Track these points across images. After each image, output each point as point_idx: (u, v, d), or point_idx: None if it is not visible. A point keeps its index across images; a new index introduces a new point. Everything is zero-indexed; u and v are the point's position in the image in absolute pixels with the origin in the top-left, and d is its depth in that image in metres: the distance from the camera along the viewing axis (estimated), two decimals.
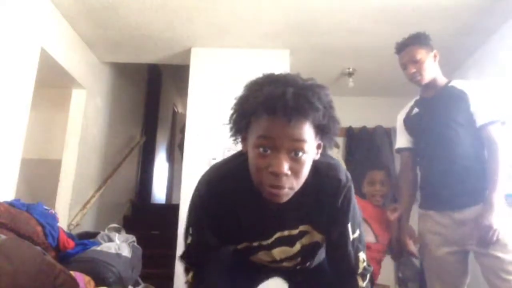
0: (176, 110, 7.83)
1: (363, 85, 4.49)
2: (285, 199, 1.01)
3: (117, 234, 2.50)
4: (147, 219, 5.12)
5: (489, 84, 2.16)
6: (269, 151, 0.95)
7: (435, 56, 2.13)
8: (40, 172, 4.28)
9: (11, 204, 2.12)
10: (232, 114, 1.04)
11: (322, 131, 1.00)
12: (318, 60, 4.07)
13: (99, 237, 2.47)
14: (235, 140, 1.08)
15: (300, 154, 0.96)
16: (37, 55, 3.05)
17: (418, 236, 2.16)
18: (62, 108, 4.17)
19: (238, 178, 1.11)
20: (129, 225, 4.44)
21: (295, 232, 1.21)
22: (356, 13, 3.22)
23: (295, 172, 0.97)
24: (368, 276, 1.22)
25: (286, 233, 1.21)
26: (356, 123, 4.65)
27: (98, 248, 2.28)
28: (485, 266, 1.94)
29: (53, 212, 2.35)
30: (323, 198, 1.13)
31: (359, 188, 2.44)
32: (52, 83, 3.86)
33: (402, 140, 2.27)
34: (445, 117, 2.02)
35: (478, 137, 1.98)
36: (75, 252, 2.26)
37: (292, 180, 0.98)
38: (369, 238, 2.25)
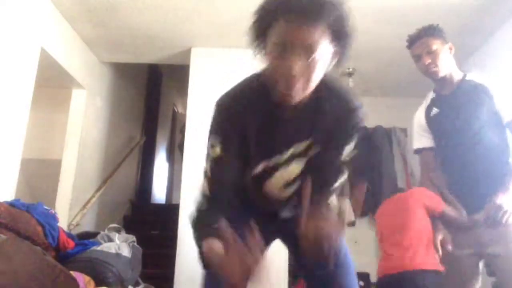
0: (176, 110, 7.83)
1: (363, 85, 4.49)
2: (296, 99, 1.04)
3: (117, 234, 2.50)
4: (147, 219, 5.12)
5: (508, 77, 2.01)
6: (283, 54, 0.99)
7: (450, 48, 2.03)
8: (40, 172, 4.28)
9: (11, 204, 2.12)
10: (251, 28, 1.10)
11: (337, 38, 1.04)
12: None
13: (99, 237, 2.47)
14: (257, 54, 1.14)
15: (313, 57, 0.98)
16: (37, 55, 3.05)
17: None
18: (62, 108, 4.17)
19: (253, 89, 1.19)
20: (129, 225, 4.44)
21: (303, 146, 1.20)
22: (356, 13, 3.21)
23: (307, 75, 1.00)
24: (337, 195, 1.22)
25: (298, 147, 1.20)
26: None
27: (98, 248, 2.28)
28: (500, 270, 1.88)
29: (53, 212, 2.35)
30: (333, 114, 1.15)
31: None
32: (52, 83, 3.86)
33: (422, 140, 2.14)
34: (469, 116, 1.91)
35: (503, 134, 1.91)
36: (75, 252, 2.26)
37: (303, 82, 1.01)
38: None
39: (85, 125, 3.97)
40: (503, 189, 1.82)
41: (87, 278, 1.97)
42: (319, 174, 1.16)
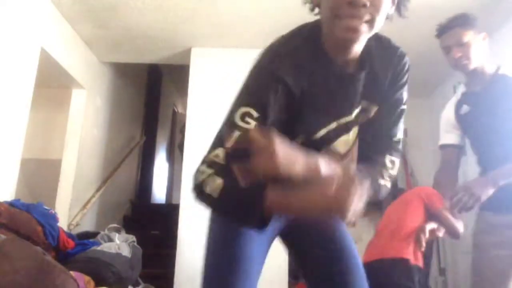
0: (176, 110, 7.83)
1: None
2: (362, 33, 0.94)
3: (117, 234, 2.51)
4: (147, 219, 5.12)
5: None
6: None
7: (484, 38, 1.89)
8: (40, 172, 4.29)
9: (11, 204, 2.12)
10: None
11: None
12: None
13: (99, 237, 2.47)
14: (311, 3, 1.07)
15: None
16: (37, 55, 3.05)
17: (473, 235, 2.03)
18: (62, 108, 4.17)
19: (307, 40, 1.04)
20: (129, 225, 4.44)
21: (365, 104, 1.10)
22: None
23: (375, 5, 0.92)
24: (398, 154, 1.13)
25: (361, 106, 1.09)
26: None
27: (98, 248, 2.28)
28: None
29: (53, 212, 2.35)
30: (388, 66, 1.10)
31: None
32: (52, 83, 3.87)
33: (449, 136, 2.04)
34: (504, 114, 1.80)
35: None
36: (75, 252, 2.26)
37: (371, 12, 0.92)
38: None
39: (85, 125, 3.97)
40: None
41: (87, 278, 1.97)
42: (381, 132, 1.12)
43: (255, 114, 0.95)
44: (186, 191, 3.54)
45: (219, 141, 0.98)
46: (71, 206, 3.73)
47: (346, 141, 1.10)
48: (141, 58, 4.27)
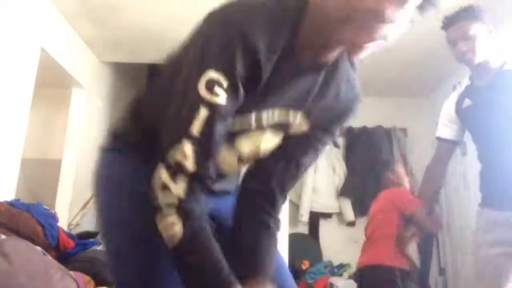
0: None
1: (363, 85, 4.47)
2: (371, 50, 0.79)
3: None
4: None
5: None
6: None
7: (490, 32, 1.84)
8: (40, 172, 4.28)
9: (11, 204, 2.12)
10: None
11: None
12: None
13: (99, 237, 2.47)
14: None
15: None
16: (37, 55, 3.05)
17: (474, 232, 2.05)
18: (62, 108, 4.17)
19: (286, 17, 0.80)
20: None
21: (297, 116, 0.89)
22: None
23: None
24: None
25: (293, 114, 0.89)
26: (356, 123, 4.64)
27: (98, 248, 2.28)
28: None
29: (53, 212, 2.35)
30: (342, 97, 0.92)
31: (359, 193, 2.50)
32: (52, 83, 3.86)
33: (446, 131, 2.05)
34: (504, 111, 1.78)
35: None
36: (75, 252, 2.26)
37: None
38: None
39: (85, 125, 3.97)
40: None
41: (87, 278, 1.97)
42: (293, 159, 0.93)
43: (224, 83, 0.74)
44: None
45: (179, 127, 0.75)
46: (71, 206, 3.73)
47: (270, 141, 0.90)
48: (141, 58, 4.26)
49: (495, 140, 1.86)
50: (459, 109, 1.96)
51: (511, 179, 1.81)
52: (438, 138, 2.10)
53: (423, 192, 2.18)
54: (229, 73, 0.74)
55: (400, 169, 2.51)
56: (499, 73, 1.83)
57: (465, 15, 1.84)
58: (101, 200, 0.94)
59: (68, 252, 2.25)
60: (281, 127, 0.89)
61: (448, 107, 2.04)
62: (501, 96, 1.80)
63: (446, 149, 2.08)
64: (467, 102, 1.92)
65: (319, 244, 4.34)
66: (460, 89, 2.01)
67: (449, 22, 1.90)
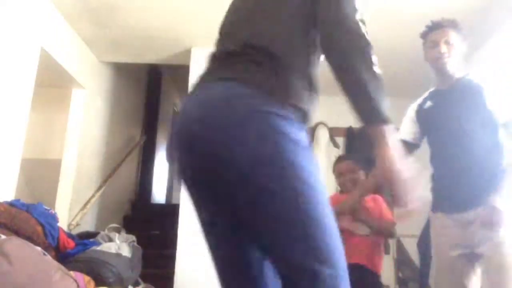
0: (176, 110, 7.83)
1: None
2: None
3: (117, 234, 2.51)
4: (147, 219, 5.12)
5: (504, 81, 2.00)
6: None
7: (464, 47, 2.01)
8: (40, 172, 4.28)
9: (11, 204, 2.12)
10: None
11: None
12: None
13: (99, 237, 2.47)
14: None
15: None
16: (37, 55, 3.05)
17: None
18: (62, 108, 4.17)
19: None
20: (129, 225, 4.44)
21: None
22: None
23: None
24: None
25: None
26: (356, 123, 4.64)
27: (98, 248, 2.28)
28: (487, 271, 1.87)
29: (53, 212, 2.35)
30: None
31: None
32: (52, 83, 3.86)
33: (404, 131, 2.15)
34: (460, 113, 1.90)
35: (493, 135, 1.88)
36: (75, 252, 2.26)
37: None
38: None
39: (85, 125, 3.97)
40: (496, 189, 1.79)
41: (87, 278, 1.96)
42: None
43: None
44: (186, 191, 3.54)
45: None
46: (71, 206, 3.73)
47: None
48: (141, 58, 4.27)
49: (448, 141, 1.93)
50: (420, 110, 2.09)
51: (462, 182, 1.86)
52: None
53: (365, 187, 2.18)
54: None
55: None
56: (460, 79, 1.97)
57: (450, 23, 2.00)
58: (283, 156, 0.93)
59: (68, 252, 2.25)
60: None
61: (410, 110, 2.17)
62: (459, 99, 1.93)
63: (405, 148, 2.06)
64: (428, 103, 2.06)
65: None
66: (425, 94, 2.14)
67: (435, 26, 2.02)
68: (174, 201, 6.73)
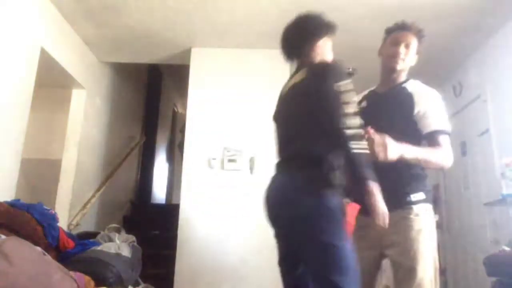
0: (176, 110, 7.83)
1: (363, 85, 4.48)
2: None
3: (117, 234, 2.51)
4: (147, 219, 5.12)
5: (436, 93, 2.04)
6: None
7: (418, 54, 2.09)
8: (40, 172, 4.28)
9: (11, 204, 2.12)
10: None
11: None
12: None
13: (99, 237, 2.47)
14: None
15: None
16: (37, 55, 3.05)
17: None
18: (62, 108, 4.17)
19: None
20: (129, 225, 4.44)
21: None
22: (355, 13, 3.22)
23: None
24: None
25: None
26: None
27: (98, 248, 2.28)
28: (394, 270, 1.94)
29: (53, 212, 2.35)
30: None
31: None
32: (52, 83, 3.86)
33: None
34: (386, 119, 1.95)
35: (418, 140, 1.92)
36: (75, 252, 2.26)
37: None
38: None
39: (85, 125, 3.97)
40: (415, 193, 1.88)
41: (87, 278, 1.96)
42: None
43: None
44: (186, 191, 3.54)
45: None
46: (71, 206, 3.73)
47: None
48: (141, 58, 4.27)
49: None
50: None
51: (382, 184, 1.77)
52: None
53: None
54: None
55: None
56: (396, 86, 2.04)
57: (415, 29, 2.05)
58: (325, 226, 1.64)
59: (68, 252, 2.25)
60: None
61: None
62: (389, 106, 2.00)
63: None
64: (363, 103, 2.11)
65: None
66: (365, 92, 2.21)
67: (402, 27, 2.07)
68: (174, 201, 6.74)
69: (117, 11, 3.30)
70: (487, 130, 3.60)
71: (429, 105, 1.97)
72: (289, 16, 3.53)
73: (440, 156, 1.89)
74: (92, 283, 2.00)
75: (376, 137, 1.73)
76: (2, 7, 2.68)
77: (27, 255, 1.60)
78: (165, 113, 7.01)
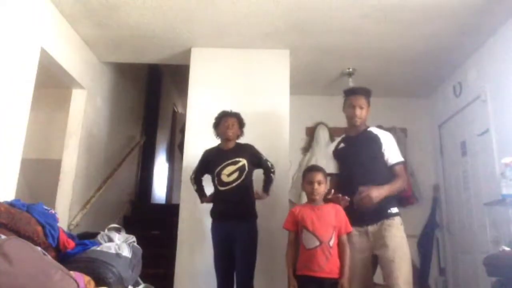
0: (176, 110, 7.83)
1: (363, 85, 4.48)
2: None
3: (117, 234, 2.50)
4: (147, 219, 5.12)
5: (389, 134, 2.86)
6: None
7: (369, 107, 2.84)
8: (40, 172, 4.29)
9: (11, 204, 2.12)
10: None
11: None
12: (318, 60, 4.07)
13: (99, 237, 2.46)
14: None
15: None
16: (37, 55, 3.05)
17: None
18: (62, 108, 4.17)
19: None
20: (129, 225, 4.44)
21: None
22: (356, 13, 3.22)
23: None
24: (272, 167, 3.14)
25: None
26: None
27: (98, 248, 2.28)
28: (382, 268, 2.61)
29: (53, 212, 2.34)
30: None
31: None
32: (52, 83, 3.86)
33: (330, 167, 2.87)
34: (366, 152, 2.72)
35: (385, 169, 2.70)
36: (75, 252, 2.26)
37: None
38: (315, 243, 2.47)
39: (85, 125, 3.97)
40: (391, 206, 2.67)
41: (87, 278, 1.96)
42: None
43: None
44: (186, 191, 3.54)
45: None
46: (71, 206, 3.73)
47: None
48: (141, 58, 4.27)
49: (355, 170, 2.70)
50: (336, 150, 2.91)
51: (367, 207, 2.55)
52: (330, 174, 2.82)
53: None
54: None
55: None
56: (364, 131, 2.84)
57: (364, 93, 2.83)
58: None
59: (68, 252, 2.24)
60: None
61: (330, 151, 2.96)
62: (363, 144, 2.78)
63: (337, 180, 2.85)
64: (341, 145, 2.90)
65: None
66: (339, 140, 2.97)
67: (353, 92, 2.87)
68: (174, 201, 6.74)
69: (117, 11, 3.30)
70: (487, 130, 3.60)
71: (388, 143, 2.75)
72: (289, 16, 3.54)
73: (399, 184, 2.66)
74: (92, 283, 1.99)
75: (362, 191, 2.54)
76: (2, 7, 2.68)
77: (27, 255, 1.60)
78: (165, 113, 7.01)
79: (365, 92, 2.83)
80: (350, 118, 2.82)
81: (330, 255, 2.44)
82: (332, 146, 2.99)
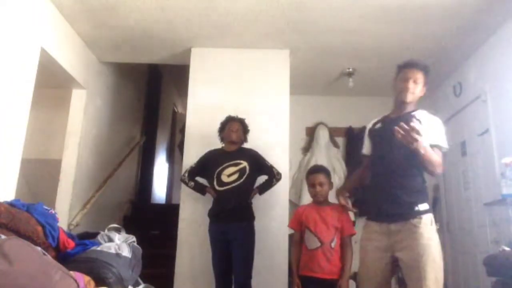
0: (176, 110, 7.83)
1: (363, 85, 4.49)
2: None
3: (117, 234, 2.50)
4: (147, 219, 5.12)
5: (439, 120, 2.43)
6: None
7: (425, 86, 2.41)
8: (40, 172, 4.28)
9: (11, 204, 2.12)
10: None
11: None
12: (318, 60, 4.07)
13: (99, 237, 2.46)
14: None
15: None
16: (37, 55, 3.05)
17: (361, 240, 2.39)
18: (62, 108, 4.17)
19: None
20: (129, 225, 4.45)
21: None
22: (356, 13, 3.22)
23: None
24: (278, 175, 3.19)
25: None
26: (356, 123, 4.65)
27: (98, 248, 2.28)
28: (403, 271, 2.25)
29: (53, 212, 2.34)
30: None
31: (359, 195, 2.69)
32: (52, 83, 3.86)
33: (365, 147, 2.56)
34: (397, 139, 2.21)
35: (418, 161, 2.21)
36: (75, 252, 2.26)
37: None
38: (316, 244, 2.50)
39: (85, 125, 3.97)
40: (419, 202, 2.24)
41: (87, 278, 1.96)
42: None
43: None
44: (186, 191, 3.54)
45: None
46: (71, 206, 3.73)
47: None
48: (141, 58, 4.27)
49: (386, 159, 2.32)
50: (372, 130, 2.52)
51: (393, 195, 2.24)
52: (363, 154, 2.59)
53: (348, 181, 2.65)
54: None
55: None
56: (407, 113, 2.37)
57: (422, 66, 2.38)
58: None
59: (68, 252, 2.24)
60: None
61: (367, 129, 2.58)
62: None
63: (364, 160, 2.57)
64: (379, 125, 2.48)
65: None
66: (379, 117, 2.55)
67: (410, 64, 2.41)
68: (174, 201, 6.74)
69: (117, 11, 3.30)
70: (487, 130, 3.60)
71: (433, 128, 2.31)
72: (289, 16, 3.53)
73: (438, 160, 2.20)
74: (92, 283, 1.99)
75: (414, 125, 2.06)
76: (2, 7, 2.68)
77: (27, 255, 1.60)
78: (165, 113, 7.01)
79: (424, 68, 2.38)
80: (399, 92, 2.36)
81: (331, 256, 2.44)
82: (371, 123, 2.58)
